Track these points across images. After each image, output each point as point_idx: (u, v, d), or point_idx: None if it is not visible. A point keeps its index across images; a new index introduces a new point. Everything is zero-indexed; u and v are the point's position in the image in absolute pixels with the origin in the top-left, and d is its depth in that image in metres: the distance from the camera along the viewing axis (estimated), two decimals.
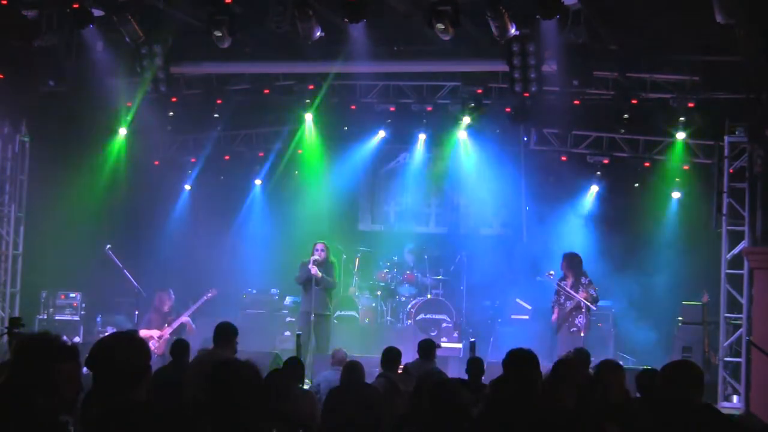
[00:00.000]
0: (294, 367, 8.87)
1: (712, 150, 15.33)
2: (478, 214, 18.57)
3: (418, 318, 16.31)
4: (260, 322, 16.60)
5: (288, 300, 17.10)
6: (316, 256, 14.10)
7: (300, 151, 18.14)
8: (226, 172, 19.13)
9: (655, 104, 14.86)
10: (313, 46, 12.67)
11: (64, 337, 3.87)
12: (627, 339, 16.05)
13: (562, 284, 14.38)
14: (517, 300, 16.67)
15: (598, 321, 15.56)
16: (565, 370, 5.75)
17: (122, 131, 16.72)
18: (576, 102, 15.10)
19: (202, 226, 18.05)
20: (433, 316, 16.32)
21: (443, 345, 14.04)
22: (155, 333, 13.94)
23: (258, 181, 18.98)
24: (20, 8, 12.16)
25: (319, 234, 15.64)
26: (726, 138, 14.08)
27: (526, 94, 13.55)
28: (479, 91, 15.66)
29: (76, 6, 12.15)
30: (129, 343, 4.01)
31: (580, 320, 14.17)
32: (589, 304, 14.16)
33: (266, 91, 16.29)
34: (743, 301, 13.65)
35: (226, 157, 18.84)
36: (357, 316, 16.62)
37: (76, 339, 14.99)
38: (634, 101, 14.80)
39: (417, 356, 10.35)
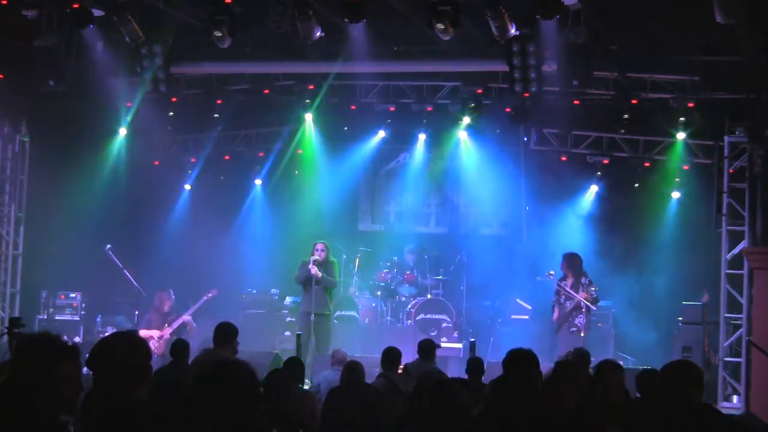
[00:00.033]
0: (294, 367, 8.87)
1: (712, 150, 15.32)
2: (478, 214, 18.57)
3: (418, 318, 16.31)
4: (260, 322, 16.60)
5: (288, 300, 17.10)
6: (316, 256, 14.09)
7: (300, 151, 18.15)
8: (226, 172, 19.13)
9: (655, 104, 14.87)
10: (313, 46, 12.66)
11: (65, 337, 3.87)
12: (627, 339, 16.04)
13: (562, 284, 14.38)
14: (517, 300, 16.67)
15: (598, 321, 15.55)
16: (565, 370, 5.75)
17: (122, 131, 16.72)
18: (576, 102, 15.11)
19: (202, 226, 18.04)
20: (433, 316, 16.32)
21: (443, 345, 14.03)
22: (155, 333, 13.94)
23: (258, 181, 18.98)
24: (20, 8, 12.16)
25: (319, 234, 15.65)
26: (726, 138, 14.08)
27: (526, 94, 13.55)
28: (479, 91, 15.67)
29: (76, 6, 12.15)
30: (129, 343, 4.01)
31: (580, 320, 14.17)
32: (589, 304, 14.16)
33: (266, 91, 16.30)
34: (743, 301, 13.65)
35: (226, 157, 18.84)
36: (357, 316, 16.62)
37: (76, 339, 14.98)
38: (634, 101, 14.81)
39: (417, 356, 10.35)
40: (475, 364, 9.75)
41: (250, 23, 12.52)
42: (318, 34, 11.98)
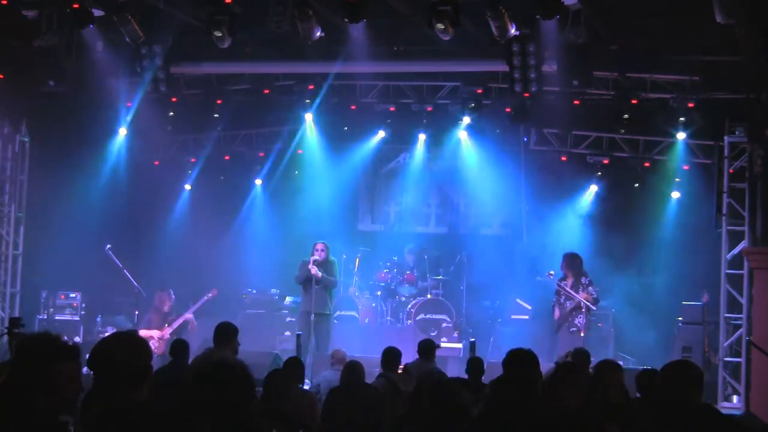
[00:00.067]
0: (294, 367, 8.87)
1: (712, 150, 15.32)
2: (478, 214, 18.58)
3: (418, 318, 16.31)
4: (260, 322, 16.60)
5: (288, 300, 17.10)
6: (316, 256, 14.09)
7: (300, 151, 18.16)
8: (226, 172, 19.12)
9: (655, 104, 14.88)
10: (313, 46, 12.67)
11: (65, 337, 3.86)
12: (627, 339, 16.04)
13: (562, 284, 14.38)
14: (517, 300, 16.67)
15: (598, 321, 15.55)
16: (566, 371, 5.75)
17: (122, 131, 16.72)
18: (576, 102, 15.11)
19: (202, 226, 18.04)
20: (433, 316, 16.32)
21: (443, 345, 14.04)
22: (155, 333, 13.93)
23: (258, 181, 18.98)
24: (20, 8, 12.16)
25: (319, 234, 15.64)
26: (726, 138, 14.07)
27: (526, 94, 13.55)
28: (479, 91, 15.67)
29: (76, 6, 12.16)
30: (130, 344, 4.01)
31: (580, 320, 14.17)
32: (589, 304, 14.16)
33: (266, 91, 16.30)
34: (743, 301, 13.64)
35: (226, 157, 18.84)
36: (357, 316, 16.62)
37: (76, 339, 14.98)
38: (634, 101, 14.82)
39: (417, 356, 10.35)
40: (475, 364, 9.75)
41: (250, 23, 12.52)
42: (318, 34, 11.99)
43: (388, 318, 16.86)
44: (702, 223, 15.37)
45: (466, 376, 9.44)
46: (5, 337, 11.13)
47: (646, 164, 16.68)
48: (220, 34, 12.07)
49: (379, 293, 16.98)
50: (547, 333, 14.73)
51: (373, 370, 9.83)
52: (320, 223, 17.72)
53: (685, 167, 16.25)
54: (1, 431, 3.59)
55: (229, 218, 18.77)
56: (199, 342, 12.91)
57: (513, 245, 17.48)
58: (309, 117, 17.22)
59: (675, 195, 16.86)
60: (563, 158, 17.17)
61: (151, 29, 12.82)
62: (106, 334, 8.66)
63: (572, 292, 14.23)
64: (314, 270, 13.95)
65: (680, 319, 14.84)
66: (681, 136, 15.60)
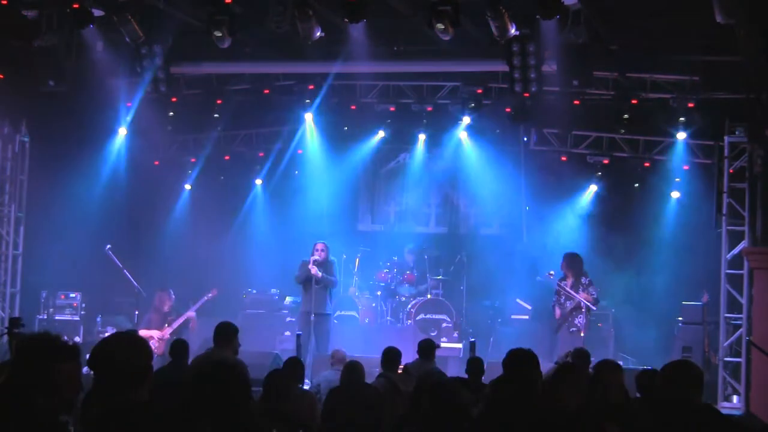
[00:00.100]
0: (294, 367, 8.87)
1: (712, 150, 15.32)
2: (478, 214, 18.59)
3: (418, 318, 16.31)
4: (260, 322, 16.59)
5: (288, 300, 17.10)
6: (316, 256, 14.09)
7: (300, 151, 18.16)
8: (226, 172, 19.13)
9: (655, 104, 14.87)
10: (313, 46, 12.66)
11: (65, 337, 3.86)
12: (627, 339, 16.04)
13: (562, 284, 14.39)
14: (517, 300, 16.67)
15: (598, 321, 15.56)
16: (566, 372, 5.74)
17: (122, 131, 16.72)
18: (576, 102, 15.11)
19: (202, 226, 18.04)
20: (433, 316, 16.32)
21: (443, 345, 14.04)
22: (155, 333, 13.93)
23: (258, 181, 18.99)
24: (20, 8, 12.15)
25: (319, 234, 15.64)
26: (726, 138, 14.07)
27: (526, 94, 13.54)
28: (479, 91, 15.67)
29: (76, 6, 12.15)
30: (130, 344, 4.01)
31: (579, 320, 14.18)
32: (589, 304, 14.16)
33: (266, 91, 16.30)
34: (743, 301, 13.64)
35: (226, 157, 18.84)
36: (357, 316, 16.62)
37: (76, 339, 14.98)
38: (634, 101, 14.82)
39: (417, 356, 10.34)
40: (475, 364, 9.75)
41: (250, 23, 12.51)
42: (318, 34, 11.98)
43: (388, 318, 16.86)
44: (702, 223, 15.37)
45: (466, 376, 9.44)
46: (5, 337, 11.13)
47: (646, 164, 16.69)
48: (220, 34, 12.07)
49: (379, 293, 16.98)
50: (547, 333, 14.73)
51: (373, 370, 9.83)
52: (320, 223, 17.73)
53: (685, 167, 16.26)
54: (1, 431, 3.59)
55: (229, 218, 18.77)
56: (199, 342, 12.91)
57: (513, 245, 17.49)
58: (309, 117, 17.23)
59: (675, 195, 16.87)
60: (563, 158, 17.18)
61: (151, 29, 12.81)
62: (106, 334, 8.67)
63: (572, 292, 14.23)
64: (314, 270, 13.95)
65: (680, 319, 14.84)
66: (681, 136, 15.59)
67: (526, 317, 16.55)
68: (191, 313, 14.19)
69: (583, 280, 14.36)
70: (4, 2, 12.19)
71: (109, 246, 14.51)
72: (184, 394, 4.34)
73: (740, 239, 13.84)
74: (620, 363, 7.60)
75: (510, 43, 12.59)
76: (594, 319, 14.98)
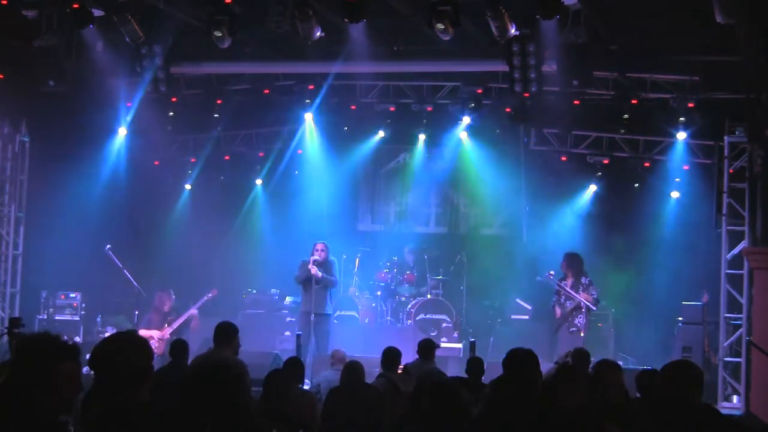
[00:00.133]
0: (294, 367, 8.87)
1: (712, 150, 15.33)
2: (478, 214, 18.59)
3: (418, 318, 16.31)
4: (260, 322, 16.59)
5: (288, 300, 17.10)
6: (316, 256, 14.09)
7: (300, 151, 18.16)
8: (226, 172, 19.14)
9: (655, 104, 14.87)
10: (313, 46, 12.66)
11: (65, 337, 3.86)
12: (627, 339, 16.05)
13: (562, 284, 14.39)
14: (517, 300, 16.67)
15: (598, 321, 15.56)
16: (566, 372, 5.75)
17: (122, 131, 16.72)
18: (576, 102, 15.12)
19: (202, 226, 18.04)
20: (433, 316, 16.31)
21: (443, 345, 14.04)
22: (155, 333, 13.93)
23: (258, 181, 18.99)
24: (20, 8, 12.15)
25: (319, 234, 15.64)
26: (726, 138, 14.07)
27: (526, 94, 13.55)
28: (479, 91, 15.67)
29: (76, 6, 12.14)
30: (130, 344, 4.01)
31: (579, 320, 14.18)
32: (589, 304, 14.16)
33: (266, 91, 16.30)
34: (743, 301, 13.64)
35: (226, 157, 18.85)
36: (357, 316, 16.61)
37: (76, 339, 14.98)
38: (634, 101, 14.82)
39: (417, 356, 10.35)
40: (475, 364, 9.74)
41: (250, 23, 12.52)
42: (318, 34, 11.98)
43: (388, 318, 16.86)
44: (702, 223, 15.37)
45: (466, 376, 9.44)
46: (5, 337, 11.12)
47: (646, 164, 16.69)
48: (220, 34, 12.07)
49: (379, 293, 16.98)
50: (547, 333, 14.73)
51: (373, 370, 9.83)
52: (320, 223, 17.74)
53: (685, 167, 16.26)
54: (1, 431, 3.59)
55: (229, 218, 18.77)
56: (199, 342, 12.92)
57: (513, 245, 17.49)
58: (309, 117, 17.23)
59: (675, 195, 16.87)
60: (563, 158, 17.18)
61: (151, 29, 12.81)
62: (106, 334, 8.66)
63: (572, 293, 14.23)
64: (314, 270, 13.95)
65: (680, 319, 14.84)
66: (681, 136, 15.59)
67: (526, 317, 16.54)
68: (194, 311, 14.19)
69: (583, 280, 14.36)
70: (4, 2, 12.19)
71: (109, 246, 14.51)
72: (184, 394, 4.34)
73: (740, 239, 13.84)
74: (620, 363, 7.61)
75: (510, 43, 12.59)
76: (594, 319, 14.98)
